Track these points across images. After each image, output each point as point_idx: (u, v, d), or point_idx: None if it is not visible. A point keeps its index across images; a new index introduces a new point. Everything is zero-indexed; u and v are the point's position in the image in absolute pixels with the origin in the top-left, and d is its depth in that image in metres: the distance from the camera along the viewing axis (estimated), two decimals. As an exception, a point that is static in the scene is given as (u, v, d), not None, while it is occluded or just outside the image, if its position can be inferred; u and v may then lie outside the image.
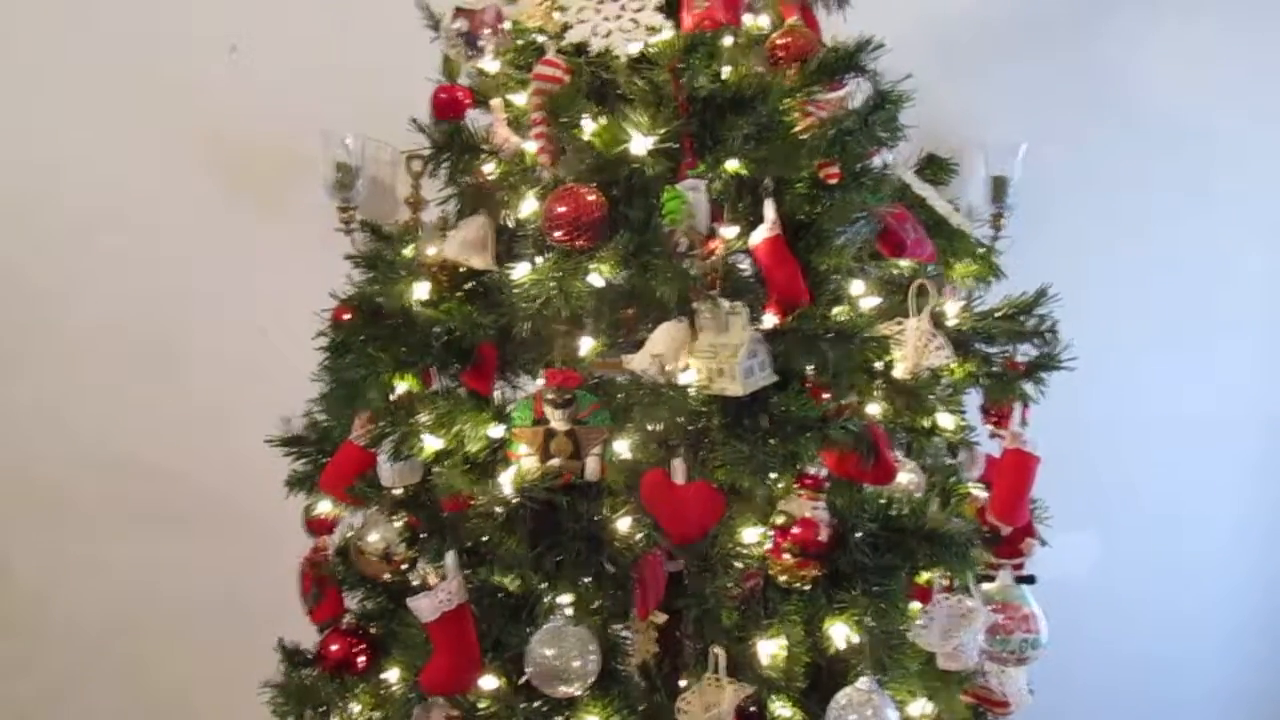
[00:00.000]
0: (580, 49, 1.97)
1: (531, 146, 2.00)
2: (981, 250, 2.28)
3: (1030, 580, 2.15)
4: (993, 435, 2.26)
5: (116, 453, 3.01)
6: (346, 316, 2.19)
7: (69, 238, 2.95)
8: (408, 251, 2.20)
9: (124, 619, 3.07)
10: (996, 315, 2.15)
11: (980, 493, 2.22)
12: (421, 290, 2.09)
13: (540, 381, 1.97)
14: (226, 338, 2.95)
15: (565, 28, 1.97)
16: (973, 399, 2.29)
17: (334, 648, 2.21)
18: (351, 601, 2.30)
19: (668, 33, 1.93)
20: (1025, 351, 2.17)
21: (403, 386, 2.06)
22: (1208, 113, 2.99)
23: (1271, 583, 3.19)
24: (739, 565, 1.97)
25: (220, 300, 2.96)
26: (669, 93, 1.93)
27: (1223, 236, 3.04)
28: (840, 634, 1.91)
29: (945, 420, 2.09)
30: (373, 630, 2.25)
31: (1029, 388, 2.15)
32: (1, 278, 2.98)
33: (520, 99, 2.08)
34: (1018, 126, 2.84)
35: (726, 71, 1.95)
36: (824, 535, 1.87)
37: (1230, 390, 3.09)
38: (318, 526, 2.31)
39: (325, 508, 2.30)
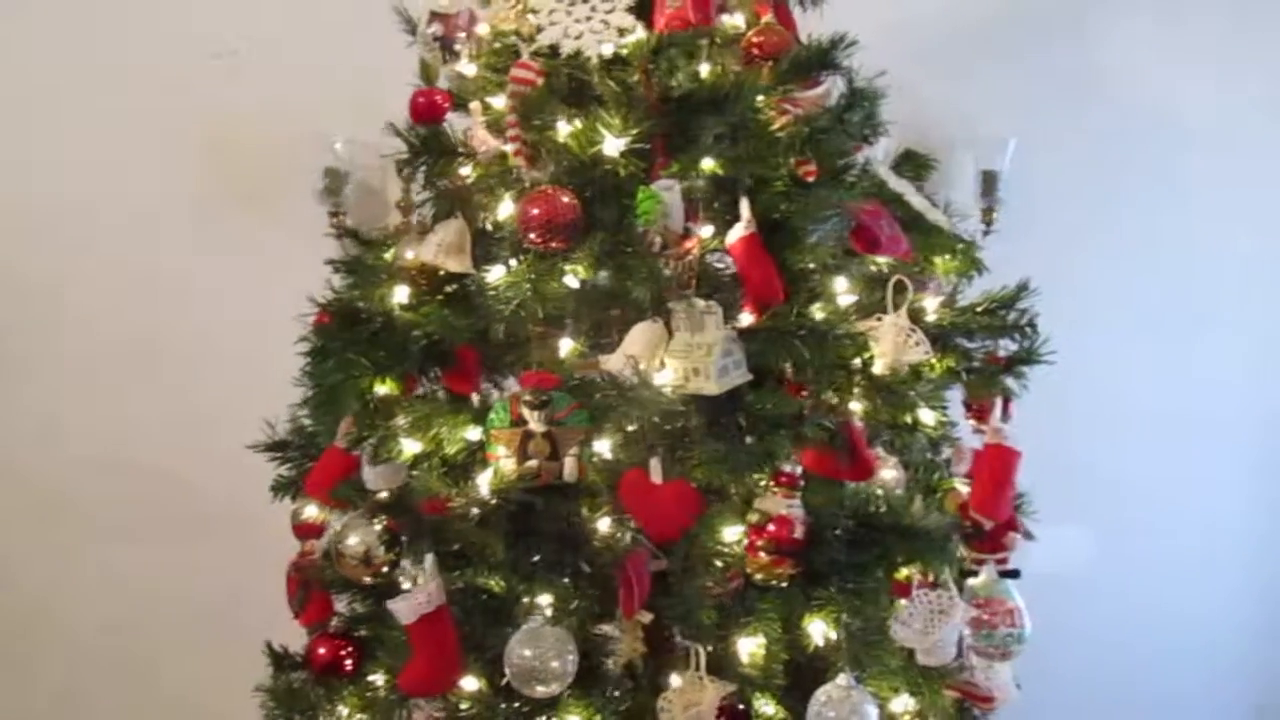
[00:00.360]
0: (555, 51, 1.98)
1: (509, 149, 2.00)
2: (961, 246, 2.27)
3: (1015, 575, 2.13)
4: (976, 430, 2.25)
5: (117, 455, 3.04)
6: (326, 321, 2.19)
7: (68, 240, 2.98)
8: (388, 255, 2.20)
9: (125, 621, 3.08)
10: (977, 310, 2.14)
11: (964, 488, 2.21)
12: (401, 294, 2.09)
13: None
14: (228, 339, 2.97)
15: (539, 30, 1.98)
16: (958, 394, 2.28)
17: (321, 651, 2.22)
18: (340, 604, 2.31)
19: (639, 33, 1.93)
20: (1006, 346, 2.16)
21: (383, 390, 2.06)
22: (1189, 104, 3.00)
23: (1266, 580, 3.18)
24: (719, 564, 1.97)
25: (221, 302, 2.98)
26: (641, 93, 1.93)
27: (1212, 231, 3.04)
28: (818, 631, 1.92)
29: (926, 416, 2.08)
30: (361, 633, 2.26)
31: (1010, 382, 2.14)
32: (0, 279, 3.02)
33: (499, 102, 2.08)
34: (1004, 122, 2.83)
35: (705, 70, 1.96)
36: (799, 533, 1.87)
37: (1218, 385, 3.08)
38: (305, 531, 2.31)
39: (312, 512, 2.31)
